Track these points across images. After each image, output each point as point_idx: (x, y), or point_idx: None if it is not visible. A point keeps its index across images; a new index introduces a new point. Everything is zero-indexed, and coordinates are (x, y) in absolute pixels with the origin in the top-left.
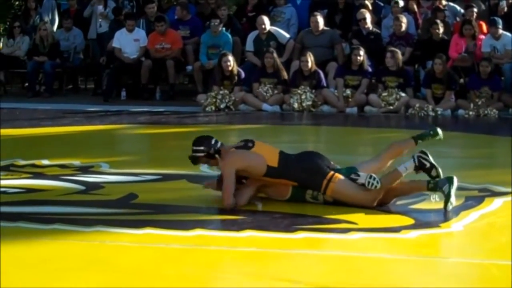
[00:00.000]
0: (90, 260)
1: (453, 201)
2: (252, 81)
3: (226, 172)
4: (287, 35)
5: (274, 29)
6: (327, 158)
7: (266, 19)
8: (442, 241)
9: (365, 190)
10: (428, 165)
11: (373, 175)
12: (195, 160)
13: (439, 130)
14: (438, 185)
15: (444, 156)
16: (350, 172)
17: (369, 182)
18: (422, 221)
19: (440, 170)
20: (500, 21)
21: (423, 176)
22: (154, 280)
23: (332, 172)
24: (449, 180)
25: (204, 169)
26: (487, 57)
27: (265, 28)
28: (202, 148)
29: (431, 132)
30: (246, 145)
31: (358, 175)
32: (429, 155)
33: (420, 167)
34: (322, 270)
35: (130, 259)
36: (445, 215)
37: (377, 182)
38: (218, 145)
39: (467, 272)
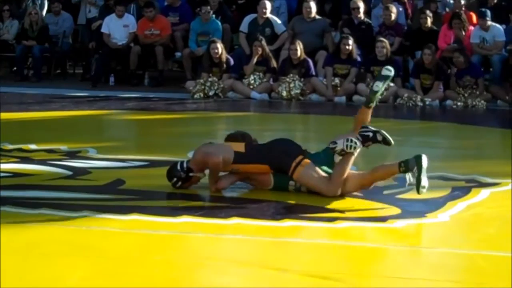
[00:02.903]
0: (77, 245)
1: (425, 183)
2: (244, 64)
3: (199, 155)
4: (284, 27)
5: (273, 17)
6: (299, 145)
7: (268, 5)
8: (428, 231)
9: (328, 182)
10: (371, 134)
11: (350, 137)
12: (181, 187)
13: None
14: (409, 167)
15: (432, 146)
16: (327, 154)
17: (347, 145)
18: (409, 211)
19: (384, 132)
20: (488, 12)
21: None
22: (140, 266)
23: (301, 157)
24: (418, 162)
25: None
26: (458, 48)
27: (265, 13)
28: (175, 180)
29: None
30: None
31: (336, 143)
32: (369, 126)
33: (365, 140)
34: (308, 258)
35: (116, 244)
36: (433, 205)
37: (355, 144)
38: (185, 164)
39: (453, 262)
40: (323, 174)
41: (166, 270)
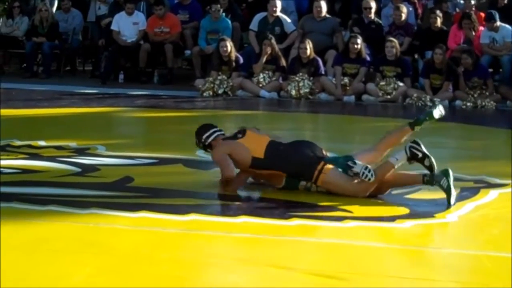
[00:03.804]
0: (85, 242)
1: (455, 194)
2: (253, 62)
3: (217, 157)
4: (293, 26)
5: (283, 16)
6: (319, 147)
7: (279, 3)
8: (436, 231)
9: (356, 181)
10: (420, 155)
11: (369, 166)
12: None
13: (435, 112)
14: (434, 179)
15: (441, 147)
16: (347, 160)
17: (363, 173)
18: (417, 211)
19: (433, 159)
20: (496, 15)
21: (418, 167)
22: (148, 263)
23: (323, 163)
24: (445, 174)
25: (201, 153)
26: (465, 49)
27: (275, 11)
28: (196, 141)
29: (427, 118)
30: (236, 135)
31: (355, 163)
32: (421, 145)
33: (412, 157)
34: (315, 258)
35: (124, 242)
36: (447, 207)
37: (372, 175)
38: (210, 139)
39: (460, 263)
40: (346, 176)
41: (174, 267)
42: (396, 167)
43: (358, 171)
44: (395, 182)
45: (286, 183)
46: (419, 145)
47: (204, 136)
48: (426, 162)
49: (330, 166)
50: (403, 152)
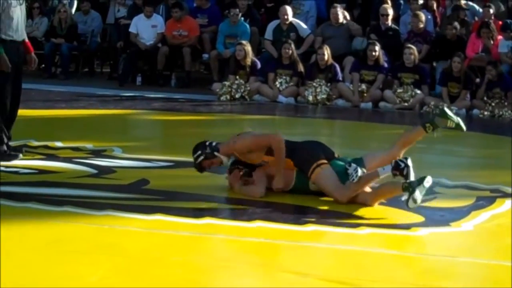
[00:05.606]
0: (99, 243)
1: (418, 199)
2: (268, 71)
3: (250, 137)
4: (308, 30)
5: (296, 21)
6: (331, 150)
7: (289, 10)
8: (452, 240)
9: (342, 187)
10: (402, 165)
11: (358, 168)
12: (200, 168)
13: (447, 110)
14: (411, 184)
15: (457, 155)
16: (355, 162)
17: (350, 174)
18: (432, 219)
19: (410, 171)
20: None
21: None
22: (162, 266)
23: (324, 160)
24: (420, 179)
25: None
26: (491, 61)
27: (287, 19)
28: (199, 152)
29: (440, 113)
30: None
31: (350, 165)
32: (409, 159)
33: (395, 167)
34: (330, 264)
35: (138, 244)
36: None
37: (356, 176)
38: (214, 143)
39: (475, 272)
40: (338, 180)
41: (187, 271)
42: (380, 176)
43: (351, 172)
44: (382, 194)
45: (295, 185)
46: (406, 159)
47: (207, 143)
48: (405, 171)
49: (328, 165)
50: (389, 165)
